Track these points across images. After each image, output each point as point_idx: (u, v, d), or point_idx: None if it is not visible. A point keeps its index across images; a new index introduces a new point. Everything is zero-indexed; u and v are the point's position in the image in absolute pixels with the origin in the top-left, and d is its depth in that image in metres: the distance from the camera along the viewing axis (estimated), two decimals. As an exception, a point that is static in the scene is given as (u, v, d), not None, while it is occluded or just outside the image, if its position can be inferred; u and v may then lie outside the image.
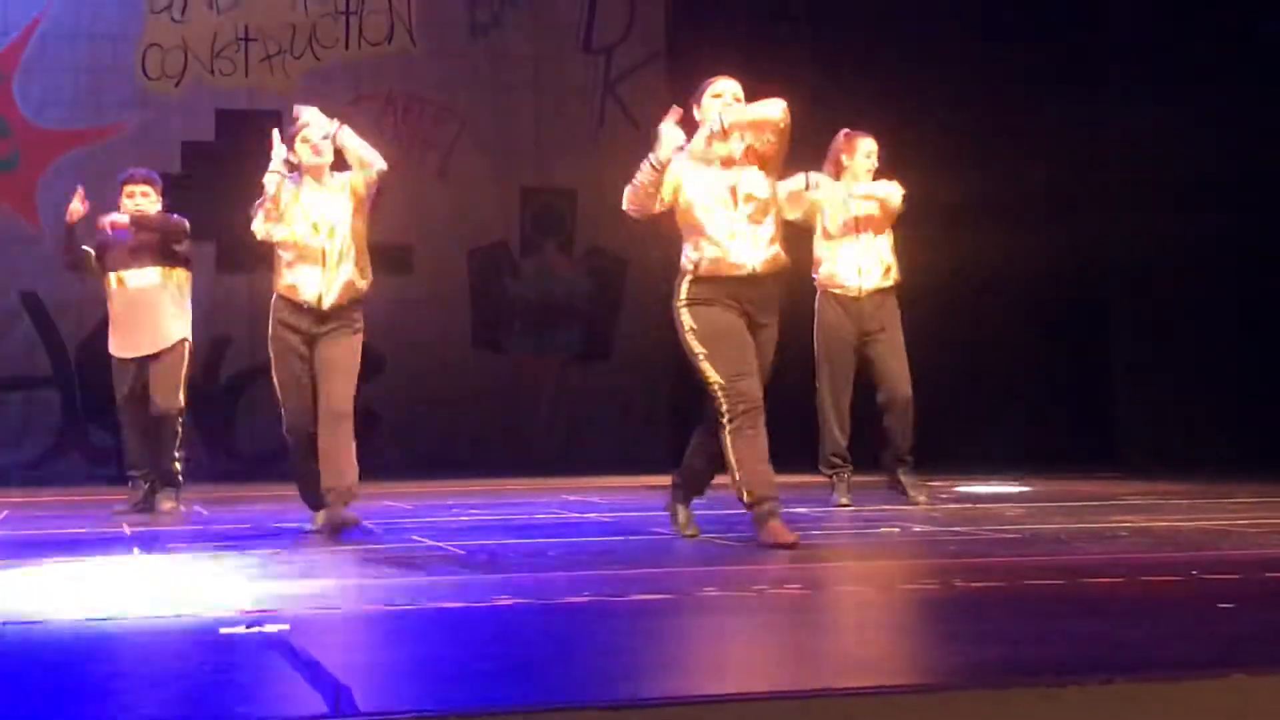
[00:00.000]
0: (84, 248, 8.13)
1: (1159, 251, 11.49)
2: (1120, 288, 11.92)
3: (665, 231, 6.15)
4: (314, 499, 6.79)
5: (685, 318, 5.97)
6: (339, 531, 6.51)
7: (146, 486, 8.09)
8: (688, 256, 5.99)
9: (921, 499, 7.88)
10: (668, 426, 12.71)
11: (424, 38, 12.43)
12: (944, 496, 8.42)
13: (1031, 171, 11.48)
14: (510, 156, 12.58)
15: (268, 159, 6.67)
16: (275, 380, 6.70)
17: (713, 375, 5.88)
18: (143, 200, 8.04)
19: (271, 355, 6.72)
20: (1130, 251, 11.75)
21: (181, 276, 8.18)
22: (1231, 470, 10.18)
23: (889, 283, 8.01)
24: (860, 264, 7.96)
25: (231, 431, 11.93)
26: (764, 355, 6.01)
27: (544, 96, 12.69)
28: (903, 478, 7.99)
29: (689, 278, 5.97)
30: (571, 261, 12.76)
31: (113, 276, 8.10)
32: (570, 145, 12.72)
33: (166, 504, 7.98)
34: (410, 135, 12.20)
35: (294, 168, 6.71)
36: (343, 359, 6.63)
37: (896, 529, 6.71)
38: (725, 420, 5.85)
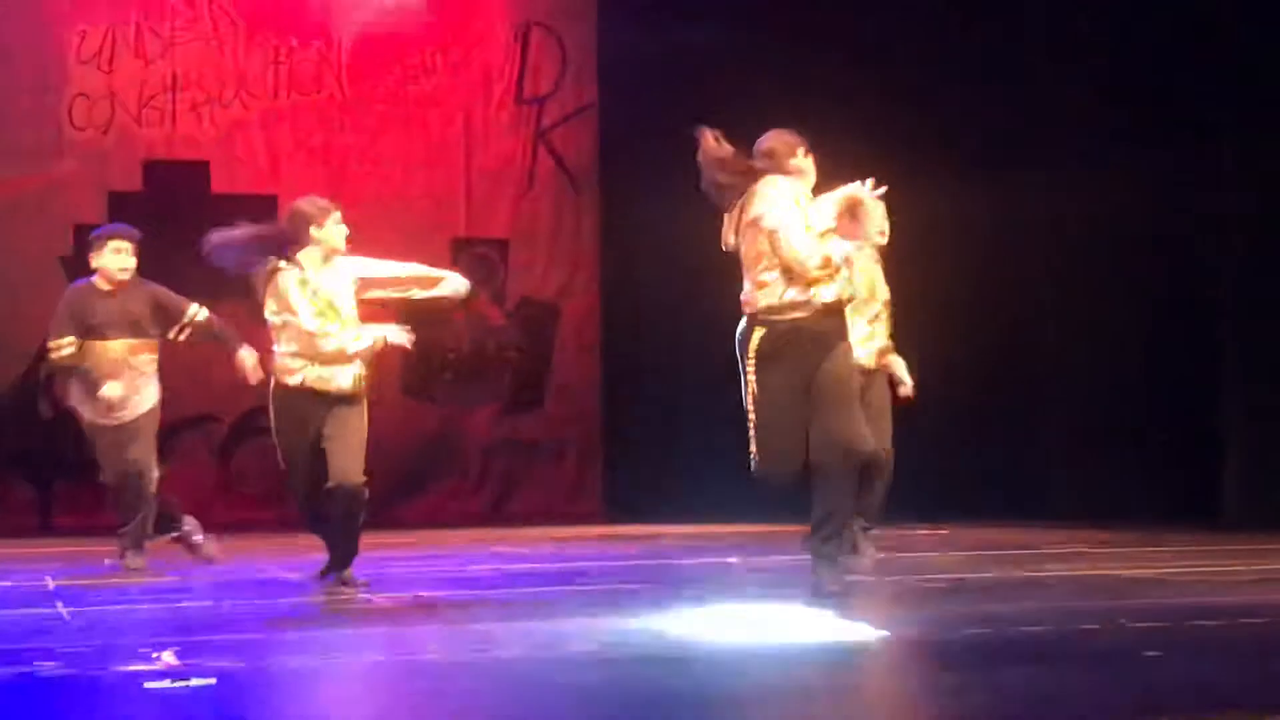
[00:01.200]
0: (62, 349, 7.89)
1: (1081, 297, 11.60)
2: (1045, 332, 12.01)
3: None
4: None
5: (750, 374, 5.97)
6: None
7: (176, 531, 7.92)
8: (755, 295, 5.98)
9: (870, 553, 7.77)
10: (600, 477, 12.68)
11: (354, 87, 12.40)
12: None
13: (955, 213, 11.55)
14: (442, 207, 12.56)
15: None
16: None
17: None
18: (129, 260, 7.85)
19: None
20: (1053, 296, 11.85)
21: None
22: (1159, 519, 10.26)
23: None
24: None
25: (160, 484, 11.78)
26: (830, 389, 5.96)
27: (475, 146, 12.69)
28: (857, 534, 7.87)
29: (759, 329, 5.95)
30: (503, 312, 12.74)
31: (97, 344, 7.81)
32: (502, 196, 12.71)
33: (137, 562, 7.79)
34: (340, 185, 12.16)
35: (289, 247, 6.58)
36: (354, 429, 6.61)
37: (827, 579, 6.70)
38: None
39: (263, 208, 10.91)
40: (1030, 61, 11.82)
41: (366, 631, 5.12)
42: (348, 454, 6.44)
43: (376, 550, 8.84)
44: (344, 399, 6.53)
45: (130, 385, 7.67)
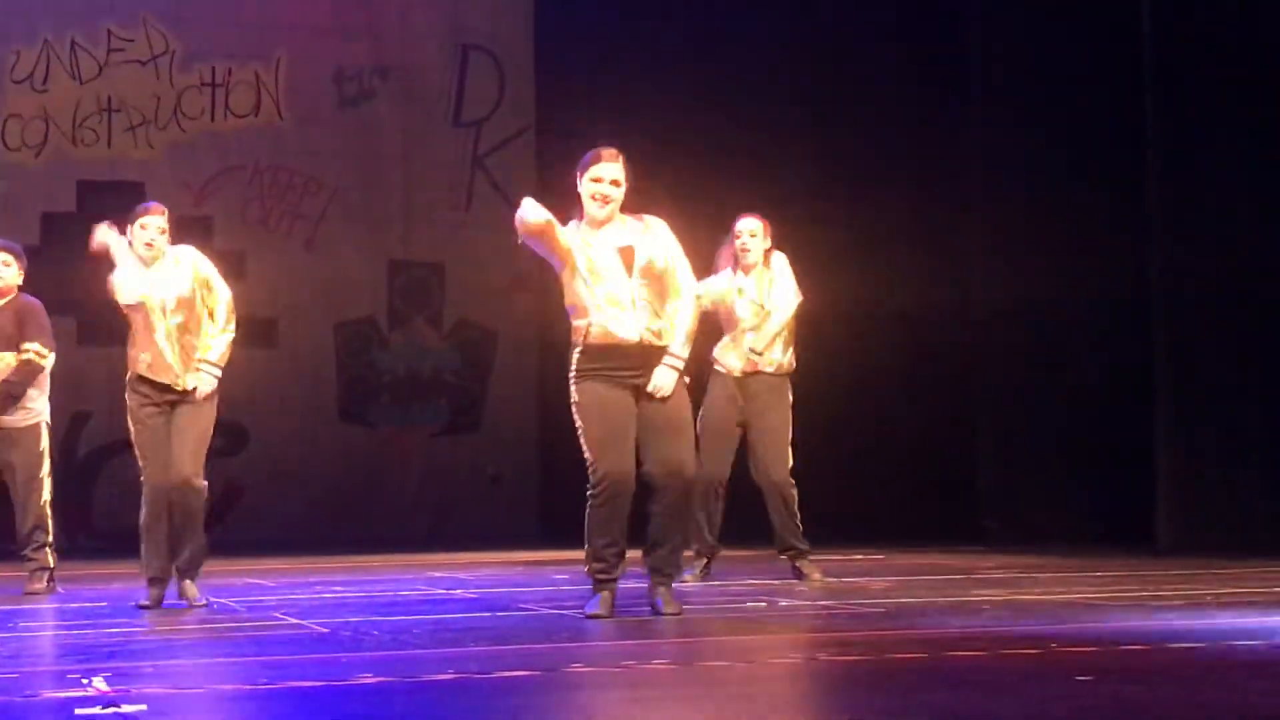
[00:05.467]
0: None
1: (1021, 323, 11.67)
2: (982, 357, 12.08)
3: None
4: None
5: (572, 390, 5.97)
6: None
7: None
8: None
9: (816, 575, 7.74)
10: (537, 500, 12.67)
11: (292, 109, 12.39)
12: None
13: (894, 247, 11.66)
14: (378, 229, 12.55)
15: (122, 230, 6.80)
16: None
17: (585, 451, 5.92)
18: (3, 270, 7.81)
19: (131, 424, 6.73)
20: (993, 321, 11.92)
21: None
22: (1091, 543, 10.33)
23: (771, 368, 7.88)
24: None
25: (90, 507, 11.70)
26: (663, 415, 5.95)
27: (413, 169, 12.69)
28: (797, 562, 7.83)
29: (577, 348, 5.97)
30: (440, 335, 12.72)
31: None
32: (439, 218, 12.72)
33: (38, 585, 7.71)
34: (277, 207, 12.13)
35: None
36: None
37: (763, 603, 6.73)
38: (588, 493, 5.92)
39: (199, 229, 10.90)
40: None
41: (298, 657, 5.09)
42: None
43: (311, 575, 8.80)
44: None
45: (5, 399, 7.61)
